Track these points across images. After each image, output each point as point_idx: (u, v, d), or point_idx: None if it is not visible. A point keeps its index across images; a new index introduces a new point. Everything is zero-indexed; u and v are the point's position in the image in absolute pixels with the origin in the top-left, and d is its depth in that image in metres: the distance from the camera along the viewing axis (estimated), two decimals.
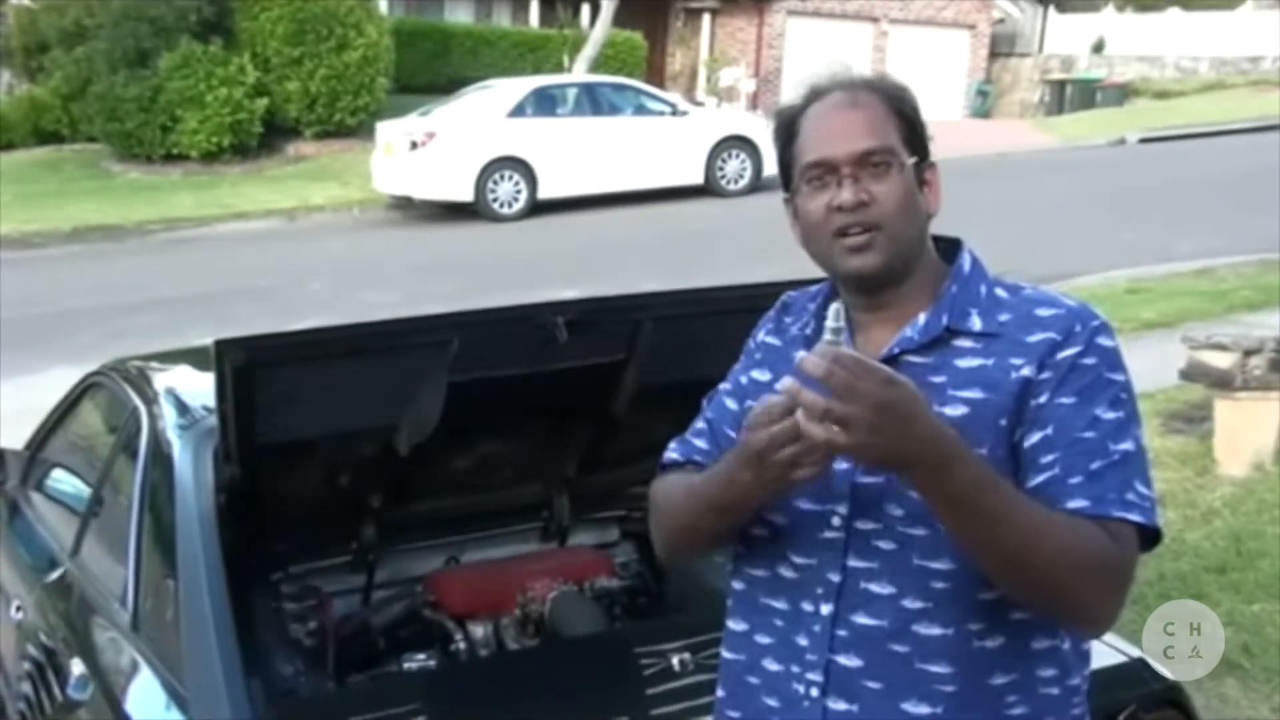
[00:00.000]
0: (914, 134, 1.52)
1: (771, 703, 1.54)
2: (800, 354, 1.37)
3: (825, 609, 1.49)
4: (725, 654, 1.64)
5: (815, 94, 1.54)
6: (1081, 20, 26.85)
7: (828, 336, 1.29)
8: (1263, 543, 4.57)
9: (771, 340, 1.65)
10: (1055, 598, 1.39)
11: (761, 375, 1.62)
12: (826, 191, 1.49)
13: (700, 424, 1.69)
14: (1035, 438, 1.42)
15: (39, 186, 16.46)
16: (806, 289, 1.67)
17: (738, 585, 1.62)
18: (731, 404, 1.65)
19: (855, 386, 1.24)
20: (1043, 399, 1.42)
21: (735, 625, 1.62)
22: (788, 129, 1.55)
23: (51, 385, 4.11)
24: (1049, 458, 1.41)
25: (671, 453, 1.70)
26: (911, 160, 1.51)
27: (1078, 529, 1.37)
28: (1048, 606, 1.43)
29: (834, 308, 1.31)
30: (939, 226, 1.59)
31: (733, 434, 1.60)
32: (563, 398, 2.78)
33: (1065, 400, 1.42)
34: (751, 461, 1.39)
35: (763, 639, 1.56)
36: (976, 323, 1.49)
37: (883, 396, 1.25)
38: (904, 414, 1.26)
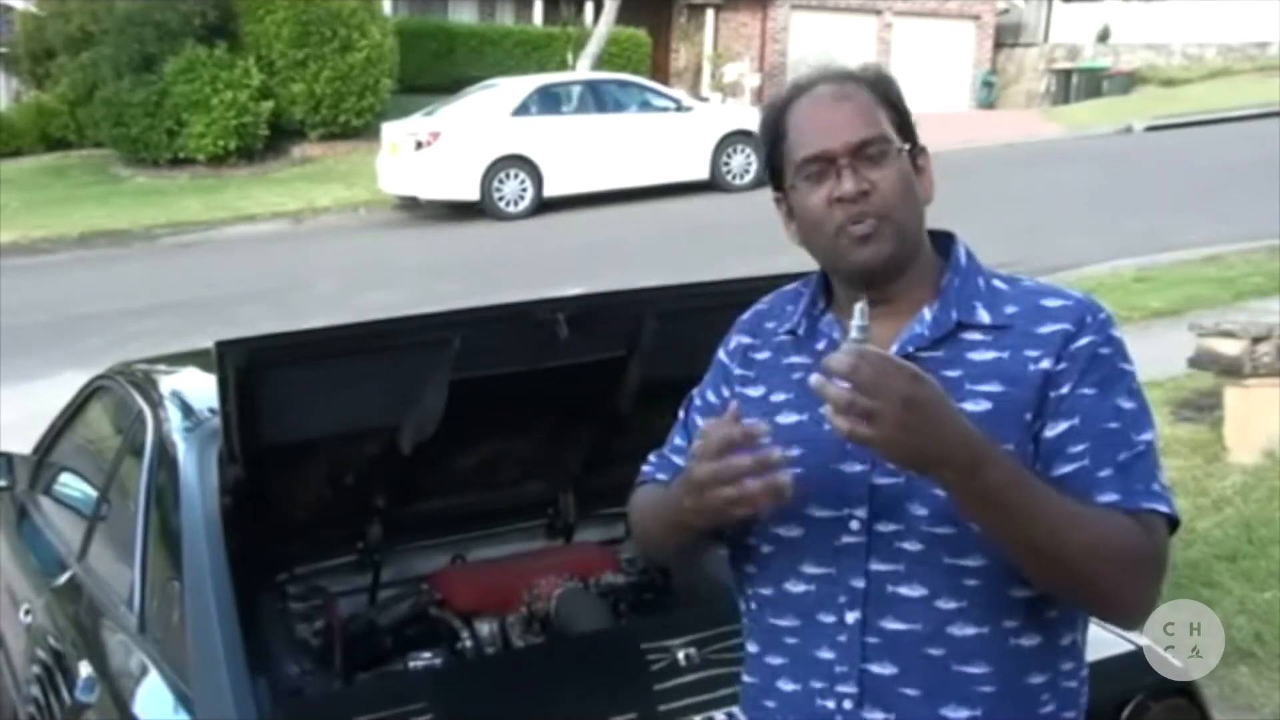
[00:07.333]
0: (903, 121, 1.51)
1: None
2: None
3: (850, 617, 1.45)
4: (744, 677, 1.61)
5: (799, 90, 1.52)
6: (1087, 9, 26.69)
7: (854, 335, 1.28)
8: (1274, 530, 4.54)
9: (760, 355, 1.59)
10: (1091, 591, 1.38)
11: (755, 391, 1.57)
12: (825, 185, 1.46)
13: (679, 439, 1.68)
14: (1061, 428, 1.41)
15: (47, 192, 16.54)
16: (781, 290, 1.63)
17: (746, 606, 1.60)
18: (702, 423, 1.63)
19: (881, 382, 1.23)
20: (1064, 389, 1.41)
21: (749, 647, 1.59)
22: (774, 128, 1.52)
23: (59, 390, 4.12)
24: (1077, 448, 1.40)
25: (648, 467, 1.70)
26: (905, 147, 1.49)
27: (1111, 521, 1.36)
28: (1084, 600, 1.43)
29: (859, 306, 1.30)
30: (947, 217, 1.57)
31: None
32: (566, 394, 2.77)
33: (1088, 391, 1.41)
34: (693, 490, 1.38)
35: (774, 660, 1.53)
36: (984, 315, 1.47)
37: (909, 392, 1.24)
38: (931, 411, 1.25)
